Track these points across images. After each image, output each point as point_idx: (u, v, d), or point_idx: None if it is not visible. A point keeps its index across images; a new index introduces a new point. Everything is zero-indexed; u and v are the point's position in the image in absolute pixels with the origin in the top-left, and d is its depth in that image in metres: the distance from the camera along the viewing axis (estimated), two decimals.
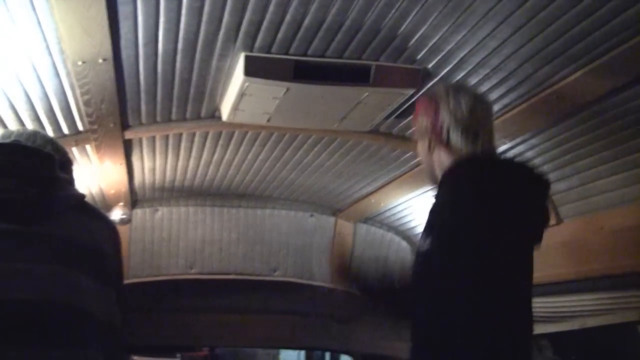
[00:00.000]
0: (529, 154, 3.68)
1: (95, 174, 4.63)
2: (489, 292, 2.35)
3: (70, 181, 2.31)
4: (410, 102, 3.49)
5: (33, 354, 1.84)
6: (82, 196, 2.19)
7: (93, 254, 2.08)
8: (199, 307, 7.83)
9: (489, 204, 2.39)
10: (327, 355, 11.39)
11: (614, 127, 3.20)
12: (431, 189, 4.50)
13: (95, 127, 3.72)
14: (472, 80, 3.18)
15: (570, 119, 3.26)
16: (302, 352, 11.61)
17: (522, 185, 2.53)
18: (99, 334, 1.99)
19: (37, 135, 2.70)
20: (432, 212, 2.60)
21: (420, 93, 3.37)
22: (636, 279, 3.49)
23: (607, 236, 3.56)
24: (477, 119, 2.62)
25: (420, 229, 5.53)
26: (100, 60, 2.92)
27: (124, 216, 5.04)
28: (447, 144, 2.61)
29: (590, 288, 3.75)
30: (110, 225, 2.24)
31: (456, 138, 2.60)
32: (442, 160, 2.64)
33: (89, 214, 2.18)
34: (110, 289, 2.09)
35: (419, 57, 3.05)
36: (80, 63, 2.92)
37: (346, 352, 8.71)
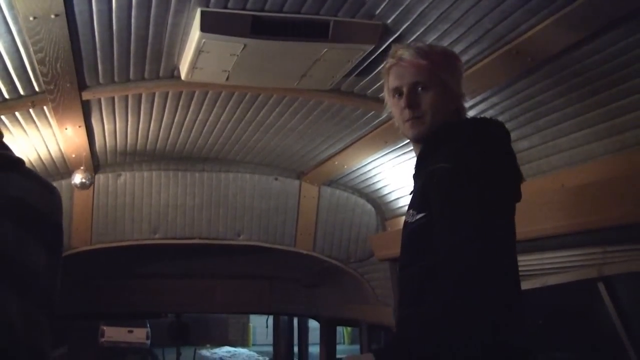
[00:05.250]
0: (490, 112, 3.66)
1: (54, 137, 4.57)
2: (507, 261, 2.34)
3: None
4: (370, 60, 3.46)
5: None
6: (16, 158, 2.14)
7: (17, 203, 2.01)
8: (164, 272, 7.86)
9: (496, 168, 2.36)
10: (295, 319, 11.43)
11: (575, 83, 3.18)
12: (401, 146, 4.50)
13: (52, 87, 3.65)
14: (432, 36, 3.15)
15: (530, 76, 3.24)
16: (271, 317, 11.64)
17: (509, 146, 2.53)
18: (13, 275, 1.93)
19: None
20: (428, 179, 2.41)
21: (380, 50, 3.34)
22: (595, 236, 3.51)
23: (567, 194, 3.57)
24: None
25: (385, 190, 5.54)
26: (53, 16, 2.86)
27: (85, 180, 4.99)
28: (450, 103, 2.55)
29: (550, 246, 3.76)
30: (49, 187, 2.18)
31: (461, 98, 2.57)
32: (441, 118, 2.51)
33: (22, 173, 2.12)
34: (36, 241, 2.02)
35: (377, 12, 3.02)
36: (32, 19, 2.86)
37: (313, 317, 8.78)
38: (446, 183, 2.30)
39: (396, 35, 3.19)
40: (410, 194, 2.57)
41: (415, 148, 2.64)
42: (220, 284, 8.18)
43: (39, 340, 1.93)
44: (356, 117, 4.35)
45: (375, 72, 3.64)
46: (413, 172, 2.63)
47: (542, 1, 2.70)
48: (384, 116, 4.23)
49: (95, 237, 5.92)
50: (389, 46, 3.29)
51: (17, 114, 4.00)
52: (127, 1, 2.92)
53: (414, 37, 3.18)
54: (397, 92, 2.56)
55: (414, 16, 3.00)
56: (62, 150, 4.89)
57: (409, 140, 4.39)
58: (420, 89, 2.51)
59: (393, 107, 2.61)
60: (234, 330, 32.01)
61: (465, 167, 2.30)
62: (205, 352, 27.30)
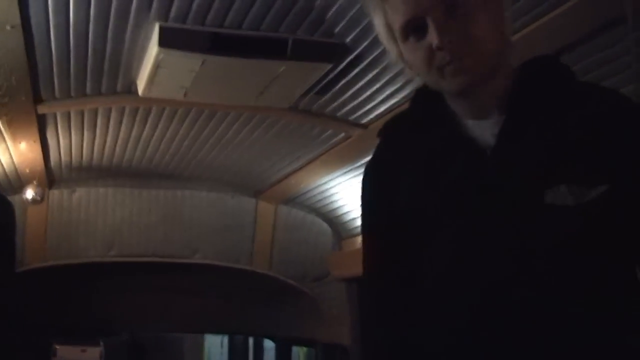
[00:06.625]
0: None
1: (8, 151, 4.51)
2: None
3: None
4: (328, 78, 3.46)
5: None
6: None
7: None
8: (118, 290, 7.73)
9: None
10: (250, 339, 11.38)
11: None
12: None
13: (6, 100, 3.61)
14: None
15: None
16: (226, 337, 11.58)
17: None
18: None
19: None
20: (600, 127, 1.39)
21: (339, 69, 3.34)
22: None
23: None
24: None
25: (342, 209, 5.52)
26: (8, 27, 2.82)
27: (36, 195, 4.92)
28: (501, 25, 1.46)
29: None
30: (4, 200, 2.18)
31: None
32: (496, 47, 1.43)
33: None
34: None
35: (336, 30, 3.02)
36: None
37: (268, 336, 8.73)
38: None
39: (355, 54, 3.20)
40: (500, 167, 1.43)
41: (456, 102, 1.52)
42: (175, 303, 8.09)
43: None
44: (313, 135, 4.35)
45: (333, 90, 3.64)
46: (495, 134, 1.45)
47: (536, 2, 2.64)
48: (341, 135, 4.24)
49: (49, 254, 5.82)
50: (347, 65, 3.31)
51: None
52: (85, 15, 2.89)
53: (373, 56, 3.19)
54: (411, 28, 1.44)
55: (373, 35, 3.00)
56: (16, 165, 4.82)
57: (366, 160, 4.41)
58: (452, 12, 1.41)
59: (408, 54, 1.50)
60: (189, 350, 31.72)
61: None
62: None
